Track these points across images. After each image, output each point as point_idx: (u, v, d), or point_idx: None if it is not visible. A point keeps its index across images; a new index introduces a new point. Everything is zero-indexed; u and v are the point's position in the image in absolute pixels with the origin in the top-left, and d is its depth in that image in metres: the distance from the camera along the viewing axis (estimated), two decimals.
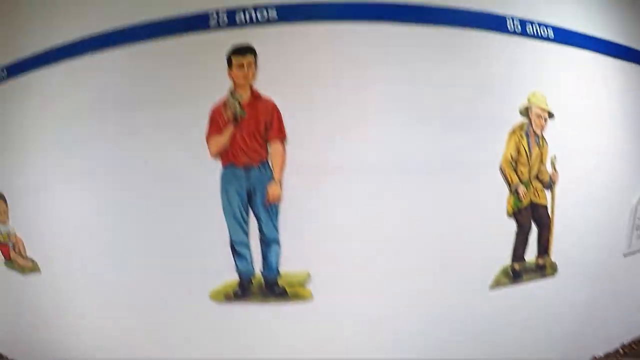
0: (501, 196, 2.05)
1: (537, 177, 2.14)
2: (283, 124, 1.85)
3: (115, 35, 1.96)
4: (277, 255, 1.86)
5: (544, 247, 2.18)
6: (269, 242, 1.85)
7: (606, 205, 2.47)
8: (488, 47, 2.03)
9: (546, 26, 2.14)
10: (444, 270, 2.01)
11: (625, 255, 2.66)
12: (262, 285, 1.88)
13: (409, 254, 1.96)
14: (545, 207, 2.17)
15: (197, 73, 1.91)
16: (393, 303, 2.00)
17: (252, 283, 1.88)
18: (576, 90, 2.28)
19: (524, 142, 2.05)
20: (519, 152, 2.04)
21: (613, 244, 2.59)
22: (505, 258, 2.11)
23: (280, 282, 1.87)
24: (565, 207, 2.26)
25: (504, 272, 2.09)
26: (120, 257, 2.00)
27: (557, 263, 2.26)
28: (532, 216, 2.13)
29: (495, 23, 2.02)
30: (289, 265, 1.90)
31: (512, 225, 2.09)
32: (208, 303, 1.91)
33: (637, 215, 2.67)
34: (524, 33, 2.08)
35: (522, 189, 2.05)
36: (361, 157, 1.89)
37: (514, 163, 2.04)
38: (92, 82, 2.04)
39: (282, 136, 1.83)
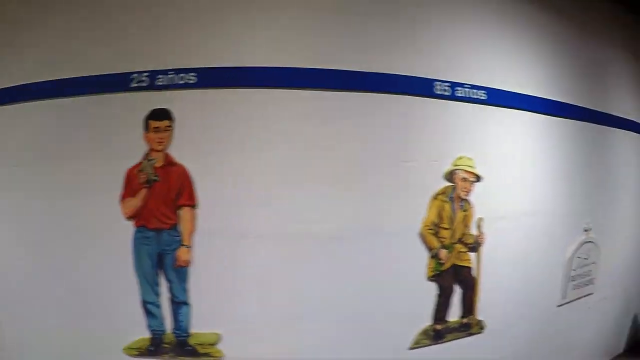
0: (421, 260, 1.98)
1: (461, 240, 2.01)
2: (193, 191, 1.81)
3: (42, 87, 1.96)
4: (187, 316, 1.86)
5: (468, 307, 2.11)
6: (178, 303, 1.85)
7: (540, 261, 2.43)
8: (413, 111, 1.95)
9: (478, 88, 2.02)
10: (362, 330, 1.96)
11: (559, 306, 2.58)
12: (173, 343, 1.88)
13: (324, 315, 1.91)
14: (469, 269, 2.09)
15: (117, 133, 1.90)
16: None
17: (163, 341, 1.87)
18: (509, 150, 2.21)
19: (447, 207, 1.96)
20: (441, 217, 1.95)
21: (547, 296, 2.54)
22: (426, 319, 2.04)
23: (191, 341, 1.86)
24: (497, 265, 2.19)
25: (425, 333, 2.03)
26: (39, 306, 2.00)
27: (484, 321, 2.15)
28: (455, 278, 2.04)
29: (421, 87, 1.94)
30: (199, 326, 1.88)
31: (432, 288, 2.00)
32: (122, 357, 1.92)
33: (572, 267, 2.53)
34: (453, 96, 1.96)
35: (443, 253, 1.97)
36: (270, 222, 1.86)
37: (435, 228, 1.94)
38: (19, 131, 2.03)
39: (191, 203, 1.81)
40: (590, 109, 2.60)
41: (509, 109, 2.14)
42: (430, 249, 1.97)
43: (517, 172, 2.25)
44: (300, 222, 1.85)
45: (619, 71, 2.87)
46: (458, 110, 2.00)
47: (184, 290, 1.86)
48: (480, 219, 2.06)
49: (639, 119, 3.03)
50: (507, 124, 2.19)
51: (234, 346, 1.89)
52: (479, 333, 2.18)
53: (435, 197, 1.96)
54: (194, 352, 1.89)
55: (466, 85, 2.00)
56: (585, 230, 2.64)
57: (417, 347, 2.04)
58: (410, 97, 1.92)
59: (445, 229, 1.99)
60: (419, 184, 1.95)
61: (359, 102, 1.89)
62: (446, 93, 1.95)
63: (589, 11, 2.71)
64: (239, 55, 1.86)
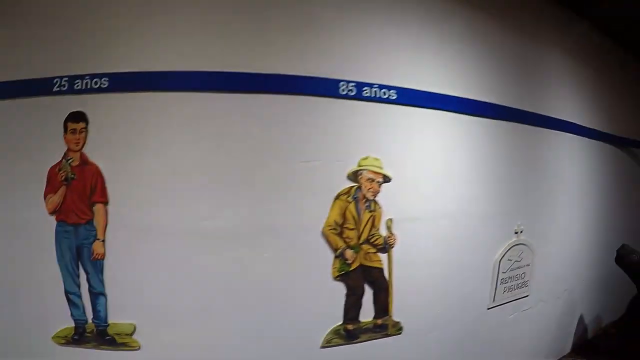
0: (325, 259, 1.93)
1: (369, 241, 1.95)
2: (105, 188, 1.86)
3: None
4: (104, 306, 1.90)
5: (382, 308, 2.05)
6: (96, 294, 1.90)
7: (465, 263, 2.34)
8: (317, 112, 1.91)
9: (388, 88, 1.96)
10: (271, 327, 1.92)
11: (489, 308, 2.48)
12: (94, 332, 1.88)
13: (231, 310, 1.89)
14: (381, 270, 2.02)
15: (40, 134, 1.94)
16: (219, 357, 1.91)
17: (86, 330, 1.88)
18: (423, 150, 2.15)
19: (351, 208, 1.91)
20: (345, 217, 1.89)
21: (476, 299, 2.45)
22: (336, 318, 1.98)
23: (110, 331, 1.86)
24: (414, 267, 2.14)
25: (336, 332, 1.99)
26: None
27: (402, 322, 2.08)
28: (365, 279, 1.99)
29: (325, 88, 1.90)
30: (116, 316, 1.90)
31: (340, 288, 1.94)
32: (50, 345, 1.91)
33: (501, 269, 2.45)
34: (360, 96, 1.91)
35: (348, 253, 1.92)
36: (173, 219, 1.85)
37: (339, 228, 1.88)
38: None
39: (103, 200, 1.87)
40: (521, 110, 2.53)
41: (423, 109, 2.09)
42: (334, 249, 1.92)
43: (433, 173, 2.19)
44: (201, 219, 1.85)
45: (553, 70, 2.78)
46: (365, 110, 1.95)
47: (101, 282, 1.94)
48: (390, 220, 2.01)
49: (575, 119, 2.91)
50: (421, 124, 2.13)
51: (149, 336, 1.93)
52: (397, 334, 2.13)
53: (337, 197, 1.91)
54: (113, 342, 1.95)
55: (374, 85, 1.95)
56: (516, 233, 2.56)
57: (329, 346, 1.99)
58: (314, 97, 1.87)
59: (351, 229, 1.94)
60: (321, 183, 1.92)
61: (263, 104, 1.87)
62: (352, 93, 1.91)
63: (519, 7, 2.65)
64: (148, 61, 1.89)
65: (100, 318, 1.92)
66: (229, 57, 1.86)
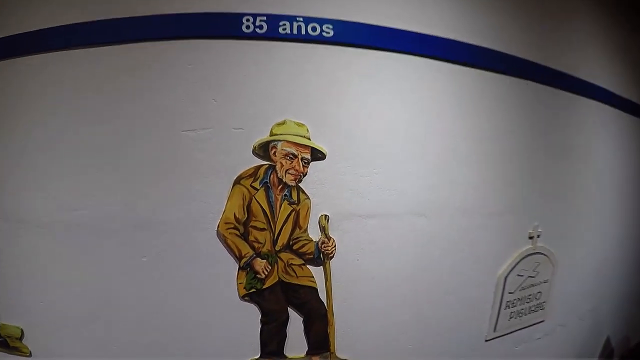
0: (228, 270, 1.19)
1: (290, 247, 1.18)
2: None
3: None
4: None
5: (318, 341, 1.27)
6: None
7: (458, 282, 1.45)
8: (208, 60, 1.21)
9: (320, 21, 1.20)
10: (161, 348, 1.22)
11: (488, 340, 1.61)
12: None
13: (126, 318, 1.27)
14: (312, 290, 1.26)
15: None
16: None
17: None
18: (382, 113, 1.31)
19: (261, 198, 1.16)
20: (251, 211, 1.14)
21: (470, 328, 1.54)
22: (252, 350, 1.23)
23: (2, 332, 1.39)
24: (382, 284, 1.35)
25: None
26: None
27: None
28: (288, 301, 1.22)
29: (221, 26, 1.19)
30: (5, 317, 1.36)
31: (253, 310, 1.19)
32: None
33: (508, 289, 1.52)
34: (273, 34, 1.16)
35: (259, 264, 1.17)
36: (45, 209, 1.25)
37: (241, 227, 1.15)
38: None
39: None
40: (537, 63, 1.55)
41: (378, 52, 1.26)
42: (237, 256, 1.18)
43: (400, 147, 1.33)
44: (71, 210, 1.25)
45: (582, 20, 1.73)
46: (283, 55, 1.21)
47: None
48: (325, 218, 1.22)
49: (608, 86, 1.83)
50: (377, 74, 1.29)
51: (38, 341, 1.35)
52: None
53: (238, 182, 1.18)
54: (6, 345, 1.41)
55: (298, 19, 1.18)
56: (531, 238, 1.61)
57: None
58: (204, 41, 1.18)
59: (260, 229, 1.20)
60: (214, 162, 1.19)
61: (129, 55, 1.21)
62: (261, 31, 1.17)
63: None
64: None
65: None
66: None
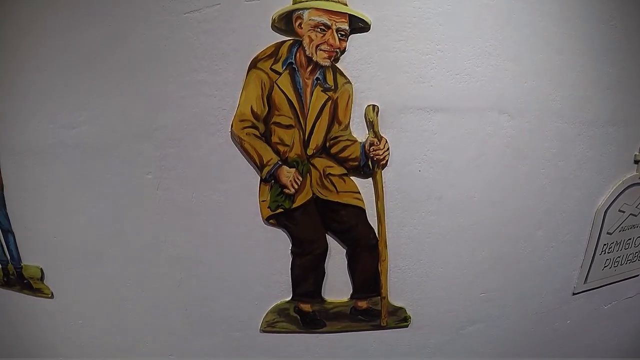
0: (248, 183, 0.63)
1: (327, 150, 0.60)
2: None
3: None
4: (15, 246, 1.01)
5: (367, 281, 0.73)
6: (5, 232, 1.06)
7: (547, 212, 0.79)
8: None
9: None
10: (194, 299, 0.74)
11: (575, 293, 0.89)
12: (15, 275, 0.98)
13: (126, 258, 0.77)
14: (358, 210, 0.69)
15: None
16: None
17: (9, 271, 0.99)
18: None
19: (284, 83, 0.68)
20: (273, 103, 0.60)
21: (557, 278, 0.85)
22: (282, 290, 0.65)
23: (25, 274, 0.93)
24: (450, 209, 0.70)
25: (281, 312, 0.75)
26: None
27: (407, 309, 0.67)
28: (326, 226, 0.62)
29: None
30: (26, 258, 0.94)
31: (281, 237, 0.61)
32: None
33: (606, 228, 0.76)
34: None
35: (286, 175, 0.62)
36: (45, 135, 0.75)
37: (262, 124, 0.59)
38: None
39: None
40: None
41: None
42: (257, 164, 0.69)
43: (474, 13, 0.64)
44: (68, 128, 0.75)
45: None
46: None
47: (5, 217, 1.02)
48: (373, 109, 0.67)
49: None
50: None
51: (56, 281, 0.87)
52: (400, 327, 0.74)
53: (254, 66, 0.68)
54: (30, 287, 0.97)
55: None
56: (637, 162, 0.86)
57: (272, 332, 0.75)
58: None
59: (286, 126, 0.70)
60: (221, 45, 0.66)
61: None
62: None
63: None
64: None
65: (15, 259, 1.05)
66: None
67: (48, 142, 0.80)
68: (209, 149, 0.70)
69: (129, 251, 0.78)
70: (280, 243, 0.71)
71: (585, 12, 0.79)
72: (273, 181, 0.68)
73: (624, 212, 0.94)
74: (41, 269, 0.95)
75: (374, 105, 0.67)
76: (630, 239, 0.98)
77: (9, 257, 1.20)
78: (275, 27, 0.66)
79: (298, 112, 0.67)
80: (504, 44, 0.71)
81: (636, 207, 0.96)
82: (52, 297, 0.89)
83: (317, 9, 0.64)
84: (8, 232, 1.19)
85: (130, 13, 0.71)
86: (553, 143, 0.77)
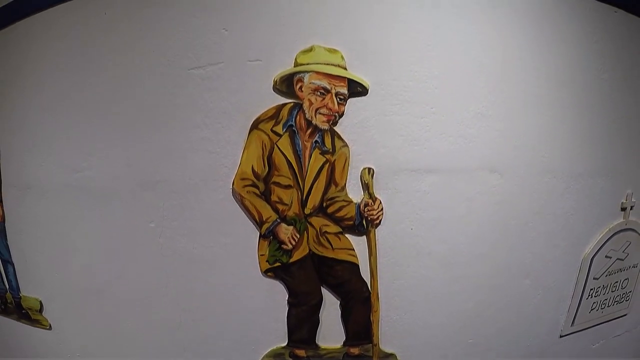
0: (248, 237, 0.67)
1: (324, 210, 0.64)
2: None
3: None
4: (15, 276, 1.07)
5: (359, 330, 0.78)
6: (4, 262, 1.10)
7: (534, 261, 0.82)
8: None
9: None
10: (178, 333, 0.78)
11: (563, 335, 0.95)
12: (13, 304, 1.03)
13: (127, 296, 0.81)
14: (352, 266, 0.74)
15: None
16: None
17: (7, 300, 1.04)
18: (440, 37, 0.71)
19: (285, 145, 0.70)
20: (273, 163, 0.63)
21: (544, 321, 0.90)
22: (277, 336, 0.70)
23: (23, 304, 0.96)
24: (440, 263, 0.76)
25: (278, 357, 0.77)
26: None
27: (398, 355, 0.71)
28: (322, 279, 0.68)
29: None
30: (25, 289, 0.98)
31: (279, 289, 0.66)
32: None
33: (593, 273, 0.81)
34: None
35: (284, 231, 0.66)
36: (52, 171, 0.80)
37: (262, 183, 0.63)
38: None
39: None
40: None
41: None
42: (257, 221, 0.72)
43: (463, 79, 0.72)
44: (74, 171, 0.79)
45: None
46: None
47: (6, 247, 1.04)
48: (368, 172, 0.71)
49: None
50: None
51: (56, 314, 0.92)
52: None
53: (256, 127, 0.72)
54: (28, 317, 1.03)
55: None
56: (624, 209, 0.90)
57: None
58: None
59: (285, 186, 0.73)
60: (224, 103, 0.72)
61: None
62: None
63: None
64: None
65: (14, 289, 1.10)
66: None
67: (52, 182, 0.85)
68: (211, 204, 0.74)
69: (130, 292, 0.82)
70: (277, 293, 0.76)
71: (577, 65, 0.84)
72: (272, 237, 0.72)
73: (610, 257, 1.00)
74: (40, 302, 0.98)
75: (369, 168, 0.72)
76: (617, 281, 1.04)
77: (7, 287, 1.22)
78: (276, 89, 0.70)
79: (297, 173, 0.71)
80: (497, 104, 0.77)
81: (623, 251, 1.02)
82: (50, 328, 0.93)
83: (317, 72, 0.68)
84: (8, 262, 1.21)
85: (137, 64, 0.75)
86: (541, 197, 0.83)
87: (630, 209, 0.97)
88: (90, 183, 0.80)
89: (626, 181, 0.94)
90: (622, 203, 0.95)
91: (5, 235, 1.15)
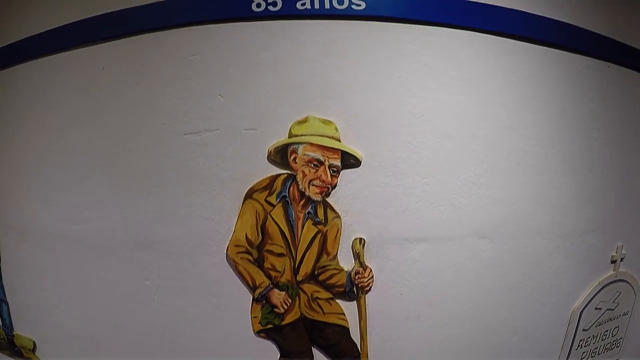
0: (241, 300, 0.70)
1: (315, 277, 0.68)
2: None
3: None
4: (9, 315, 1.10)
5: None
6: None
7: (524, 319, 0.86)
8: (209, 47, 0.75)
9: None
10: None
11: None
12: (6, 340, 1.07)
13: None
14: (342, 330, 0.77)
15: None
16: None
17: (0, 336, 1.06)
18: (431, 106, 0.75)
19: (278, 216, 0.70)
20: (266, 233, 0.66)
21: None
22: None
23: (16, 342, 1.00)
24: (429, 325, 0.78)
25: None
26: None
27: None
28: (312, 340, 0.72)
29: (227, 5, 0.71)
30: (18, 328, 1.01)
31: (272, 348, 0.69)
32: None
33: (582, 325, 0.85)
34: (290, 12, 0.72)
35: (277, 296, 0.69)
36: (47, 220, 0.83)
37: (256, 251, 0.67)
38: None
39: None
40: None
41: (425, 26, 0.73)
42: (250, 285, 0.73)
43: (454, 149, 0.75)
44: (71, 223, 0.82)
45: None
46: (302, 35, 0.75)
47: (1, 288, 1.05)
48: (360, 242, 0.74)
49: None
50: (423, 52, 0.74)
51: (48, 356, 0.95)
52: None
53: (250, 196, 0.75)
54: (21, 355, 1.07)
55: None
56: (614, 262, 0.94)
57: None
58: (207, 26, 0.75)
59: (278, 254, 0.76)
60: (219, 171, 0.76)
61: (131, 51, 0.78)
62: (275, 8, 0.74)
63: None
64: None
65: (7, 326, 1.11)
66: None
67: (49, 231, 0.88)
68: (205, 266, 0.77)
69: (124, 343, 0.84)
70: (269, 353, 0.78)
71: (568, 127, 0.86)
72: (264, 301, 0.75)
73: (600, 308, 1.02)
74: (33, 341, 1.00)
75: (360, 238, 0.75)
76: (607, 330, 1.05)
77: (0, 324, 1.20)
78: (271, 159, 0.73)
79: (290, 242, 0.74)
80: (488, 172, 0.79)
81: (613, 302, 1.04)
82: None
83: (311, 144, 0.70)
84: (2, 301, 1.24)
85: (134, 124, 0.78)
86: (530, 258, 0.86)
87: (621, 260, 1.00)
88: (87, 236, 0.83)
89: (616, 235, 0.97)
90: (612, 256, 0.97)
91: (0, 276, 1.20)
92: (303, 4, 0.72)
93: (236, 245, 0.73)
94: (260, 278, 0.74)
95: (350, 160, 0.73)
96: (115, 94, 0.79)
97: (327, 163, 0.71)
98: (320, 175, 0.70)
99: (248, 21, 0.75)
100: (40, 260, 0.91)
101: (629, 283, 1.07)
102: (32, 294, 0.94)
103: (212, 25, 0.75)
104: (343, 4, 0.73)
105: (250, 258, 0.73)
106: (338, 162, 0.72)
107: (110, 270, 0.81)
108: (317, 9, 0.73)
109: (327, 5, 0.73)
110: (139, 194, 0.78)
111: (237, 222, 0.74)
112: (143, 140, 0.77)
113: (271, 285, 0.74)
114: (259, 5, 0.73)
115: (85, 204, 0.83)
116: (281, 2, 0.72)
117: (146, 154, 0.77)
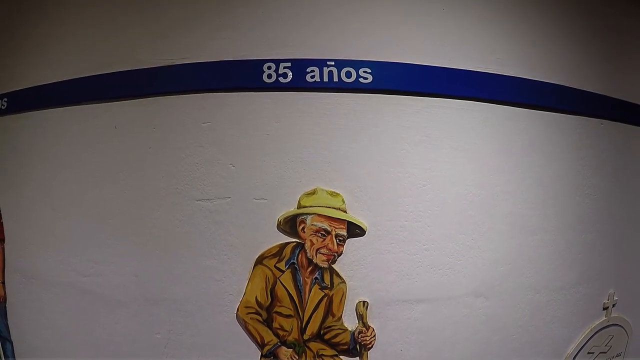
0: (251, 357, 0.79)
1: (321, 337, 0.76)
2: (2, 224, 1.04)
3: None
4: (12, 354, 1.18)
5: None
6: (3, 340, 1.21)
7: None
8: (222, 118, 0.80)
9: (356, 65, 0.79)
10: None
11: None
12: None
13: None
14: None
15: None
16: None
17: None
18: (432, 175, 0.82)
19: (287, 281, 0.77)
20: (275, 296, 0.73)
21: None
22: None
23: None
24: None
25: None
26: None
27: None
28: None
29: (240, 75, 0.81)
30: None
31: None
32: None
33: None
34: (299, 84, 0.77)
35: (285, 354, 0.76)
36: (58, 269, 0.89)
37: (265, 312, 0.73)
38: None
39: (0, 237, 1.09)
40: (612, 98, 0.98)
41: (429, 98, 0.79)
42: (259, 344, 0.79)
43: (453, 216, 0.83)
44: (82, 275, 0.88)
45: None
46: (311, 108, 0.79)
47: (6, 327, 1.14)
48: (363, 305, 0.81)
49: None
50: (425, 127, 0.80)
51: None
52: None
53: (260, 262, 0.80)
54: None
55: (329, 63, 0.76)
56: (606, 308, 1.01)
57: None
58: (220, 94, 0.80)
59: (286, 316, 0.82)
60: (230, 237, 0.81)
61: (144, 113, 0.83)
62: (285, 80, 0.77)
63: None
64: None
65: None
66: None
67: (59, 279, 0.94)
68: (216, 324, 0.83)
69: None
70: None
71: (562, 186, 0.92)
72: (272, 357, 0.81)
73: (593, 353, 1.09)
74: None
75: (364, 301, 0.81)
76: None
77: None
78: (280, 228, 0.78)
79: (297, 305, 0.80)
80: (485, 236, 0.86)
81: (605, 345, 1.12)
82: None
83: (319, 215, 0.76)
84: (7, 340, 1.24)
85: (147, 186, 0.82)
86: (524, 312, 0.93)
87: (613, 306, 1.08)
88: (97, 288, 0.89)
89: (607, 283, 1.04)
90: (604, 303, 1.05)
91: (6, 315, 1.16)
92: (312, 77, 0.77)
93: (246, 307, 0.80)
94: (269, 336, 0.80)
95: (355, 230, 0.79)
96: (128, 155, 0.84)
97: (334, 233, 0.77)
98: (328, 244, 0.76)
99: (259, 91, 0.79)
100: (47, 306, 0.96)
101: (621, 326, 1.14)
102: (37, 337, 0.98)
103: (224, 93, 0.79)
104: (351, 77, 0.78)
105: (260, 318, 0.80)
106: (344, 232, 0.78)
107: (120, 322, 0.87)
108: (325, 82, 0.78)
109: (335, 79, 0.78)
110: (151, 252, 0.84)
111: (247, 285, 0.80)
112: (156, 202, 0.82)
113: (279, 343, 0.80)
114: (269, 76, 0.78)
115: (97, 258, 0.88)
116: (291, 73, 0.78)
117: (159, 215, 0.82)
